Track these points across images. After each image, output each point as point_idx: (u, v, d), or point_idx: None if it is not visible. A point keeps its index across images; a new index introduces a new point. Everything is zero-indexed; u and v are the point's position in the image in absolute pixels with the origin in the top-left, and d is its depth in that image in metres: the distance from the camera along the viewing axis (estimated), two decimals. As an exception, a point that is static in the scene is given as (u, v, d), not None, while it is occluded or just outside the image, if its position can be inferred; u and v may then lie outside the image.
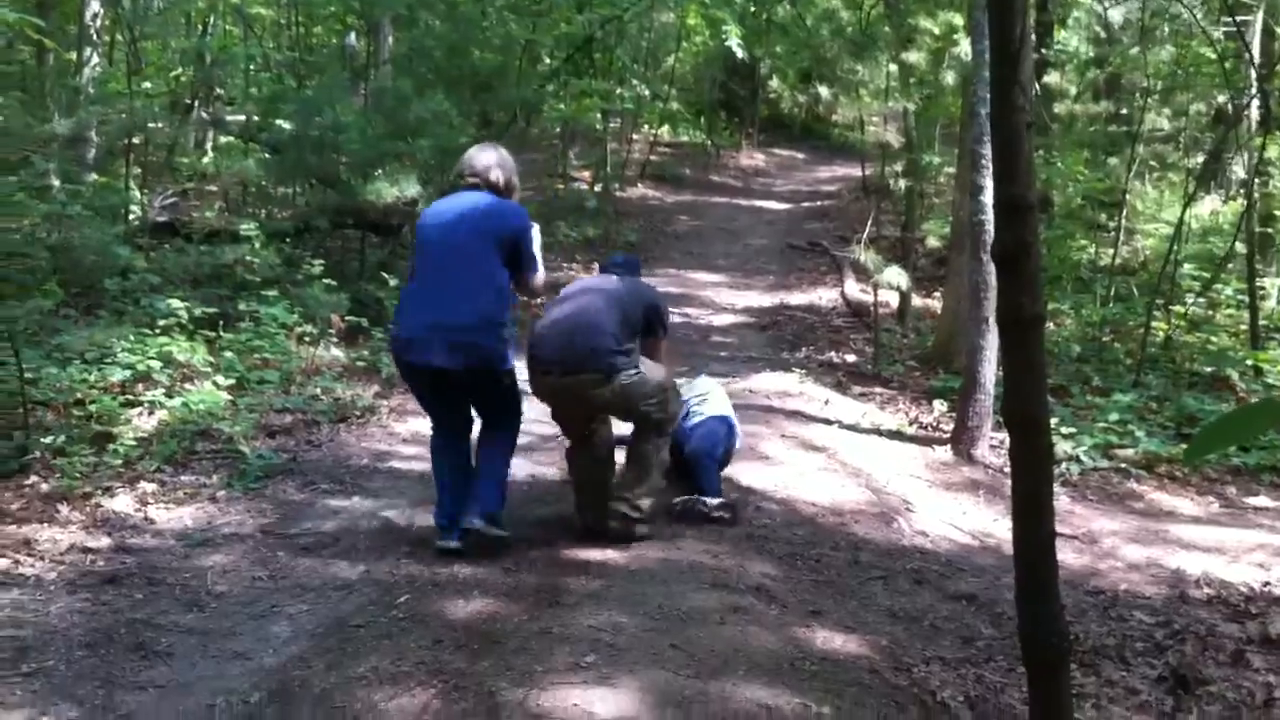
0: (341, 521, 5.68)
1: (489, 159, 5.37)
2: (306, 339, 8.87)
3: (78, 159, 11.87)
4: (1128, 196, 12.69)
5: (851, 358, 10.47)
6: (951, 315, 9.86)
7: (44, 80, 12.95)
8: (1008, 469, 2.69)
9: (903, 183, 14.88)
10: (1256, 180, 11.82)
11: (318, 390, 8.02)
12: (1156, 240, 13.50)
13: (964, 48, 11.23)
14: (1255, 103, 12.16)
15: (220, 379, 7.55)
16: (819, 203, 20.02)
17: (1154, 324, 10.85)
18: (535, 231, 5.40)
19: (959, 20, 11.69)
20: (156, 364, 7.33)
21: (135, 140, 12.28)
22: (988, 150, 7.43)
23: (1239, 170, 14.05)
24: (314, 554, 5.27)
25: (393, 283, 9.82)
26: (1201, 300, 12.03)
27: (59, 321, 8.04)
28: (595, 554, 5.18)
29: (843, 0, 15.12)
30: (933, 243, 13.84)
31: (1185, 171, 14.15)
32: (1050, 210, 13.72)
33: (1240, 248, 11.66)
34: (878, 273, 10.01)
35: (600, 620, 4.37)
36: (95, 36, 12.91)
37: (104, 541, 5.29)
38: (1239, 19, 11.50)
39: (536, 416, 6.01)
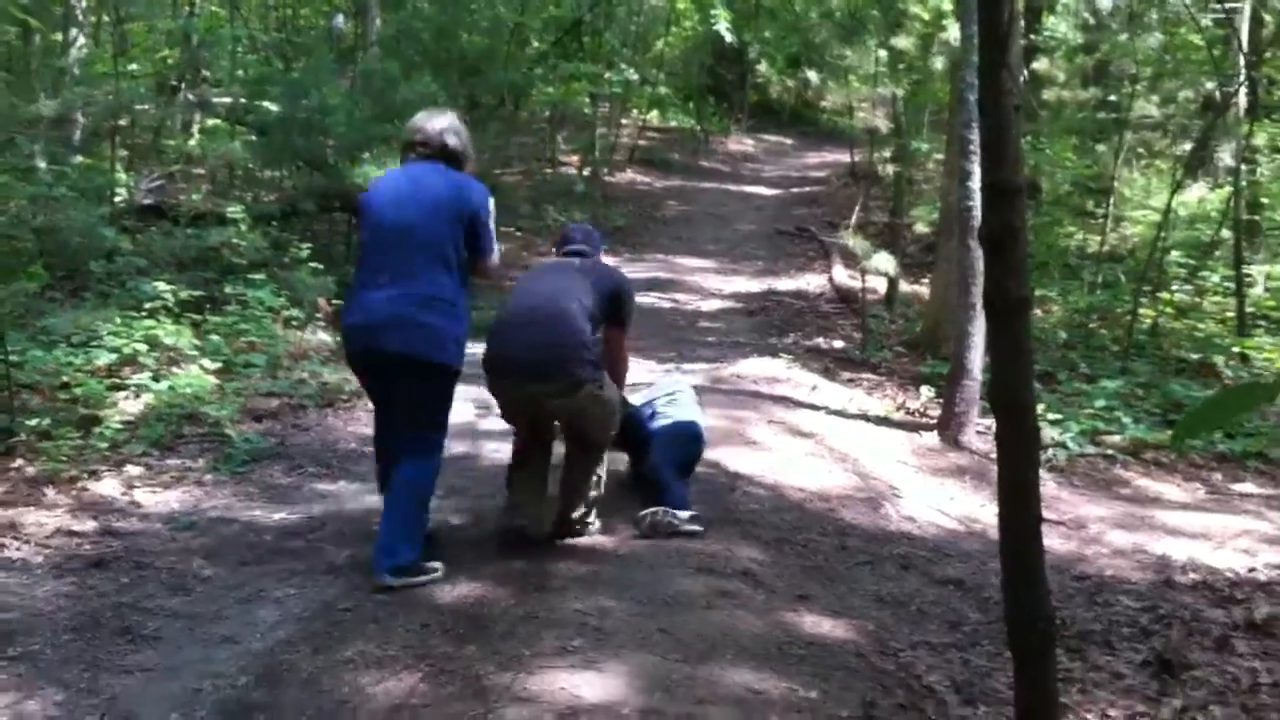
0: (328, 505, 5.67)
1: (442, 123, 4.80)
2: (293, 323, 8.84)
3: (63, 140, 11.82)
4: (1116, 183, 12.70)
5: (839, 343, 10.48)
6: (939, 301, 9.87)
7: (29, 61, 12.90)
8: (994, 455, 2.69)
9: (891, 168, 14.92)
10: (1244, 167, 11.84)
11: (304, 374, 8.00)
12: (1144, 227, 13.51)
13: (953, 33, 11.26)
14: (1243, 90, 12.17)
15: (206, 362, 7.52)
16: (808, 188, 20.02)
17: (1141, 311, 10.87)
18: (492, 206, 4.90)
19: (948, 5, 11.72)
20: (143, 347, 7.30)
21: (121, 122, 12.22)
22: (976, 136, 7.43)
23: (1227, 157, 14.06)
24: (301, 538, 5.26)
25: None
26: (1188, 287, 12.06)
27: (44, 304, 8.01)
28: (582, 539, 5.18)
29: (831, -15, 15.09)
30: (921, 229, 13.85)
31: (1173, 158, 14.16)
32: (1038, 197, 13.73)
33: (1227, 234, 11.69)
34: (866, 258, 10.01)
35: (587, 605, 4.37)
36: (81, 17, 12.86)
37: (90, 525, 5.27)
38: (1228, 6, 11.51)
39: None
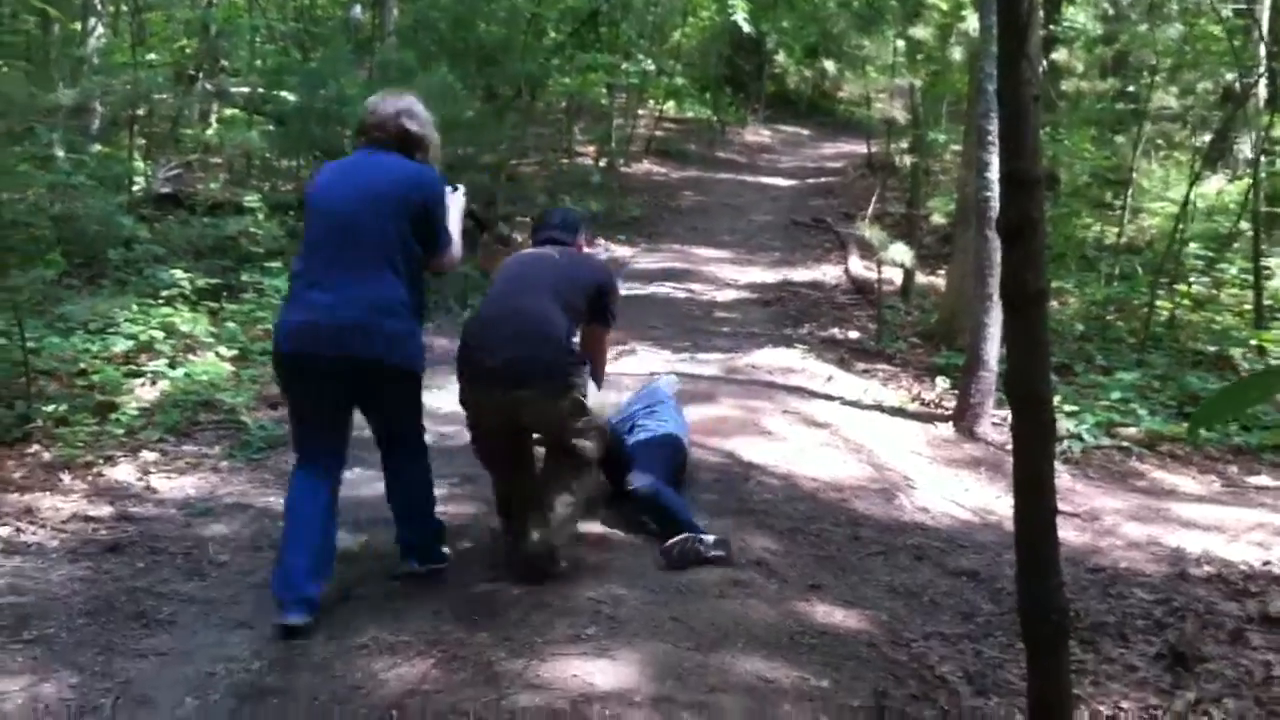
0: (343, 492, 5.67)
1: (396, 105, 4.38)
2: (309, 311, 8.85)
3: (82, 129, 11.86)
4: (1134, 175, 12.64)
5: (855, 334, 10.45)
6: (956, 292, 9.84)
7: (48, 50, 12.93)
8: (1009, 446, 2.69)
9: (908, 159, 14.87)
10: (1263, 159, 11.75)
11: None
12: (1162, 219, 13.43)
13: (971, 23, 11.22)
14: (1263, 81, 12.09)
15: (223, 350, 7.56)
16: (824, 179, 19.97)
17: (1158, 303, 10.82)
18: (454, 198, 4.59)
19: (966, -5, 11.65)
20: (159, 334, 7.34)
21: (139, 111, 12.26)
22: (994, 126, 7.36)
23: (1246, 149, 13.99)
24: (315, 524, 5.27)
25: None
26: (1206, 279, 11.99)
27: (62, 291, 8.05)
28: (595, 527, 5.18)
29: (850, -25, 15.05)
30: (938, 220, 13.80)
31: (1192, 150, 14.08)
32: (1056, 188, 13.66)
33: (1246, 226, 11.62)
34: (882, 249, 9.98)
35: (600, 593, 4.38)
36: (99, 6, 12.88)
37: (106, 510, 5.30)
38: (1248, -3, 11.43)
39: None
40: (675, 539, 4.73)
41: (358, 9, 16.12)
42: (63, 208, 9.47)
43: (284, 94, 12.46)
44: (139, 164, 11.55)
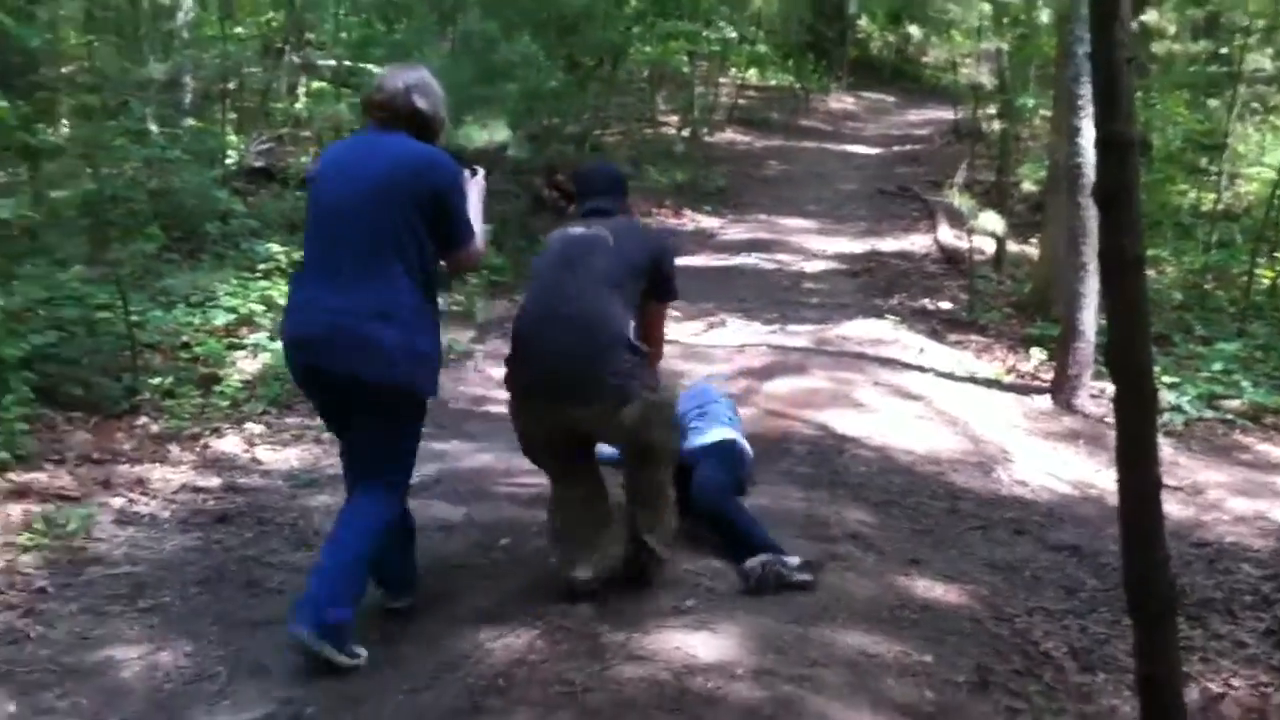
0: (442, 464, 5.76)
1: (406, 79, 3.89)
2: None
3: (174, 104, 12.04)
4: (1229, 139, 12.32)
5: (946, 305, 10.34)
6: (1049, 261, 9.69)
7: (139, 25, 13.12)
8: (1109, 419, 2.67)
9: (996, 125, 14.62)
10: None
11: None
12: (1260, 184, 13.09)
13: (1062, -14, 10.97)
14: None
15: (319, 322, 7.64)
16: (910, 147, 19.72)
17: (1258, 271, 10.57)
18: (473, 185, 4.06)
19: (1058, -43, 11.39)
20: (258, 308, 7.46)
21: (230, 85, 12.42)
22: (1085, 90, 7.28)
23: (1347, 111, 13.60)
24: (416, 496, 5.32)
25: (486, 227, 9.85)
26: (1308, 246, 11.68)
27: (162, 265, 8.20)
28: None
29: (936, -63, 14.81)
30: (1028, 187, 13.58)
31: (1290, 113, 13.72)
32: (1149, 154, 13.38)
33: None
34: (972, 218, 9.86)
35: (699, 566, 4.40)
36: (189, -20, 13.05)
37: (214, 481, 5.43)
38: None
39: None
40: (755, 560, 4.24)
41: (442, -20, 16.18)
42: (159, 182, 9.62)
43: (369, 66, 12.56)
44: (231, 138, 11.70)
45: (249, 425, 6.17)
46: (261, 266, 8.19)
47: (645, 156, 16.07)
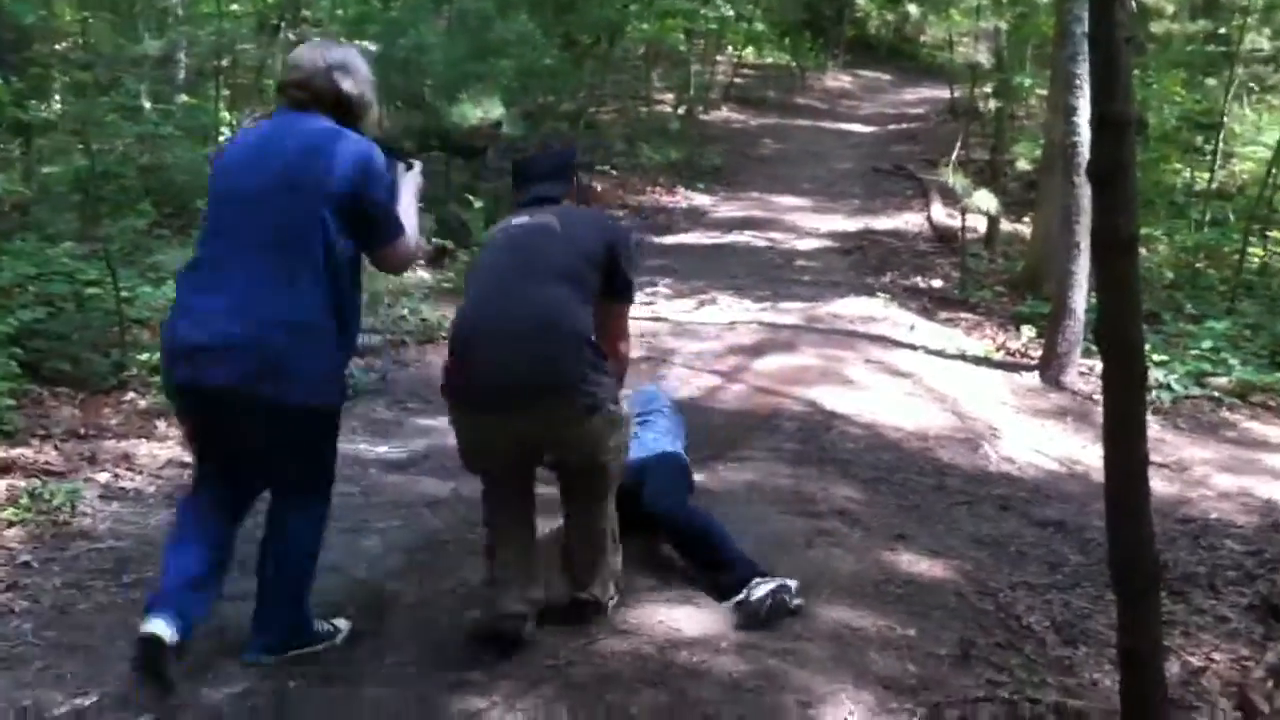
0: (430, 440, 5.76)
1: (327, 57, 3.42)
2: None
3: (167, 80, 12.01)
4: (1225, 119, 12.31)
5: (938, 283, 10.35)
6: (1042, 240, 9.70)
7: (134, 1, 13.07)
8: (1097, 396, 2.68)
9: (993, 104, 14.60)
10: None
11: (405, 311, 8.11)
12: (1254, 164, 13.08)
13: (1059, -36, 10.94)
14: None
15: (310, 299, 7.64)
16: (905, 125, 19.70)
17: (1250, 250, 10.58)
18: (408, 178, 3.66)
19: (1055, -65, 11.34)
20: (248, 284, 7.44)
21: (224, 62, 12.38)
22: (1082, 70, 7.29)
23: (1343, 91, 13.57)
24: (404, 471, 5.37)
25: (478, 204, 9.88)
26: (1300, 225, 11.69)
27: (153, 241, 8.19)
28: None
29: (933, -86, 14.76)
30: (1023, 166, 13.56)
31: (1286, 93, 13.70)
32: (1145, 132, 13.36)
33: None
34: (966, 196, 9.85)
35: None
36: (183, -43, 12.99)
37: (201, 456, 5.42)
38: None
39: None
40: (762, 592, 3.77)
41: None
42: (151, 158, 9.62)
43: (365, 43, 12.54)
44: (225, 114, 11.68)
45: (238, 401, 6.17)
46: (252, 243, 8.16)
47: (640, 134, 16.05)
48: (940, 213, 12.92)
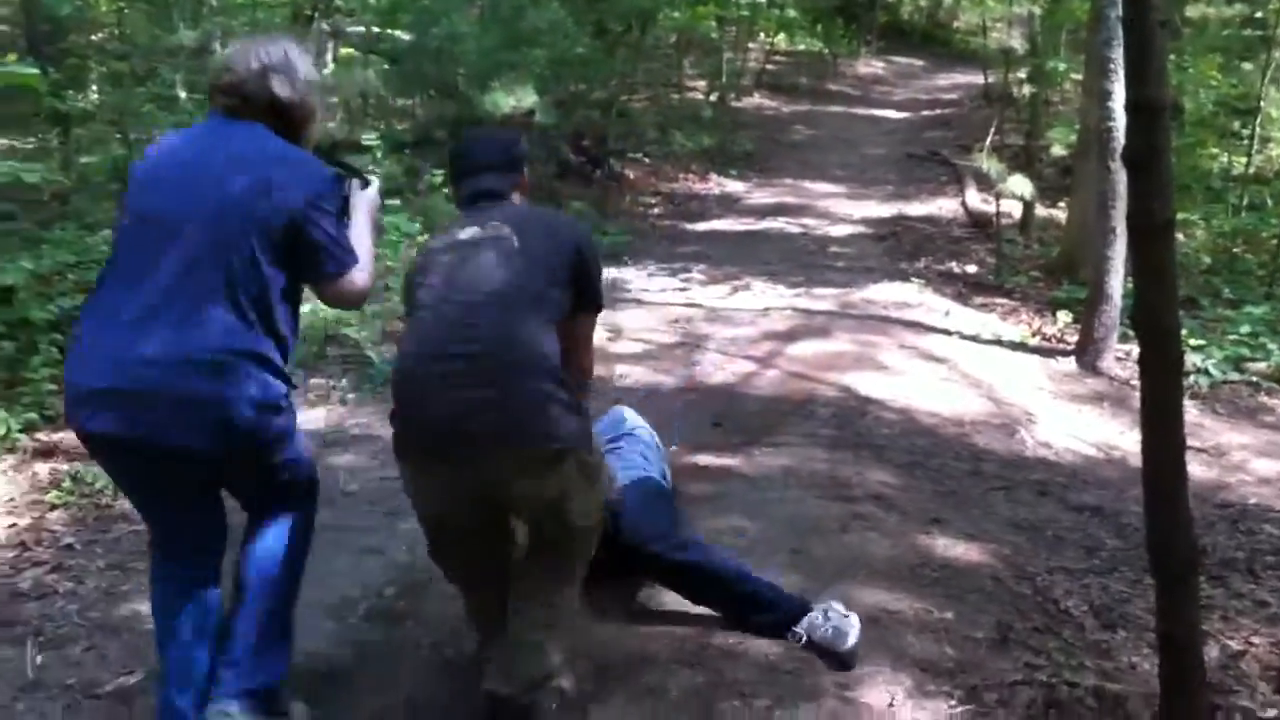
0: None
1: (262, 57, 2.96)
2: (428, 249, 8.99)
3: (202, 70, 12.07)
4: (1262, 103, 12.17)
5: (972, 268, 10.30)
6: (1077, 225, 9.64)
7: (169, -8, 13.15)
8: (1134, 381, 2.67)
9: (1027, 90, 14.49)
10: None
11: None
12: (1292, 149, 12.98)
13: (1095, -53, 10.84)
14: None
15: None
16: (938, 111, 19.60)
17: (1288, 234, 10.48)
18: (362, 199, 3.20)
19: (1090, -82, 11.24)
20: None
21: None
22: (1117, 54, 7.24)
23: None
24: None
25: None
26: (1340, 210, 11.57)
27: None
28: (713, 459, 5.23)
29: (968, -101, 14.66)
30: (1057, 151, 13.46)
31: (1326, 77, 13.53)
32: (1180, 117, 13.24)
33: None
34: (1001, 181, 9.79)
35: (721, 524, 4.42)
36: (218, -52, 13.05)
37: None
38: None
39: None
40: (806, 623, 3.48)
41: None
42: (187, 148, 9.65)
43: (398, 33, 12.58)
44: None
45: (275, 386, 6.22)
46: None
47: (672, 121, 16.05)
48: (974, 198, 12.86)
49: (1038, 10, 13.84)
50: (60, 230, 6.98)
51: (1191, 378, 7.33)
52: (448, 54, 11.19)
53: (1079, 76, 11.93)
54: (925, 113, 19.60)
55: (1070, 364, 7.50)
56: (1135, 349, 2.64)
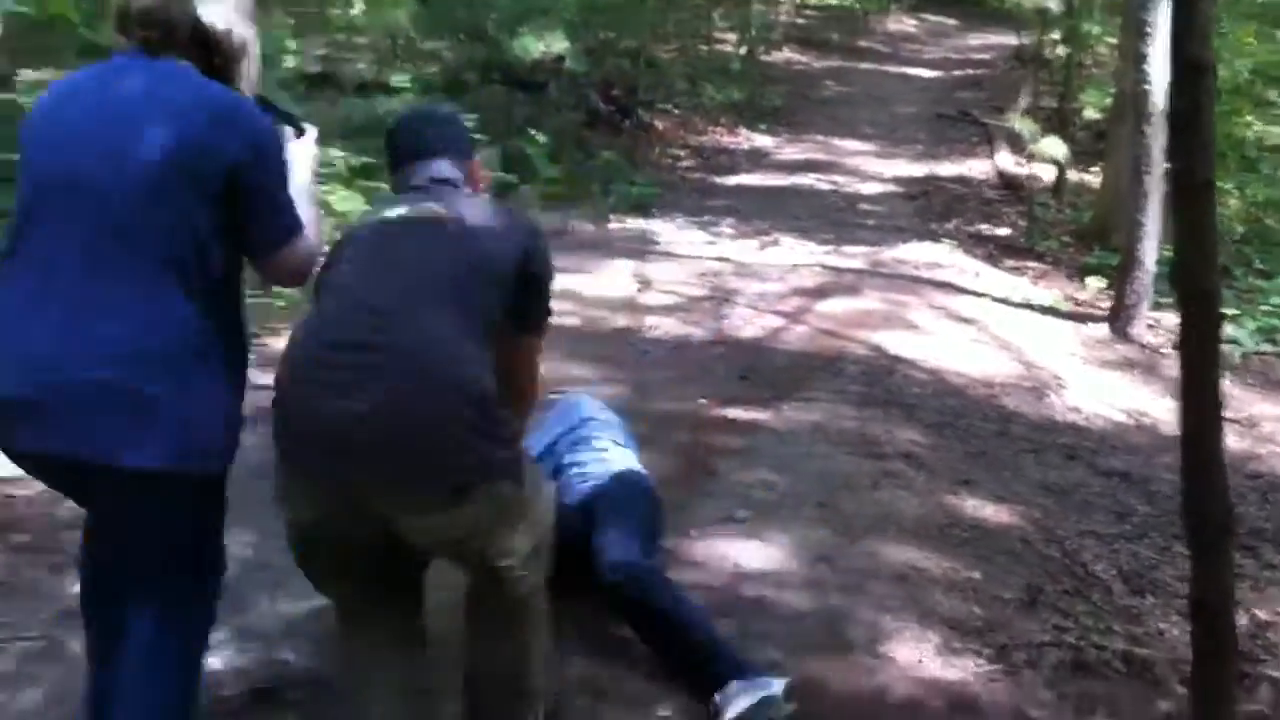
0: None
1: None
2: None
3: (233, 6, 12.03)
4: (1299, 72, 12.05)
5: (1004, 231, 10.23)
6: (1111, 189, 9.55)
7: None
8: (1165, 349, 2.65)
9: (1061, 51, 14.34)
10: None
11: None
12: (1331, 118, 12.82)
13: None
14: None
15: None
16: (970, 71, 19.40)
17: (1324, 205, 10.38)
18: (299, 148, 2.68)
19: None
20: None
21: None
22: (1153, 17, 7.19)
23: None
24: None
25: (541, 139, 9.86)
26: (1376, 181, 11.45)
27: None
28: (741, 413, 5.22)
29: None
30: (1091, 114, 13.35)
31: (1365, 45, 13.35)
32: (1216, 84, 13.08)
33: None
34: (1033, 143, 9.71)
35: (750, 479, 4.43)
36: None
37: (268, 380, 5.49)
38: None
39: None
40: (736, 708, 2.86)
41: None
42: (218, 85, 9.62)
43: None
44: (289, 43, 11.68)
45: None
46: (321, 172, 8.19)
47: (701, 74, 15.92)
48: (1007, 160, 12.75)
49: (1075, -30, 13.68)
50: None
51: (1224, 348, 7.27)
52: (478, -4, 11.14)
53: (1114, 40, 11.78)
54: (956, 72, 19.40)
55: (1101, 329, 7.45)
56: (1166, 316, 2.61)
